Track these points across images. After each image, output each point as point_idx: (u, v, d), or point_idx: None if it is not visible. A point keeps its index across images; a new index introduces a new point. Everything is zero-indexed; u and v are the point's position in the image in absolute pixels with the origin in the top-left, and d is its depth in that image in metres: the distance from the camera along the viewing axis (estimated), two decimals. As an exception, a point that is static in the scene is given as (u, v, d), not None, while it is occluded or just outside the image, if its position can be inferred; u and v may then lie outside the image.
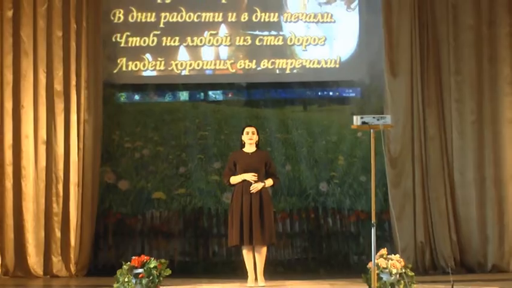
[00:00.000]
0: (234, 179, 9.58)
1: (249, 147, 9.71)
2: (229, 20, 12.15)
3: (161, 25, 12.11)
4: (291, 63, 12.18)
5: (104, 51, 11.77)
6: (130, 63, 12.08)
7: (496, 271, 10.90)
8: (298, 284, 9.90)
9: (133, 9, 12.08)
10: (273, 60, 12.15)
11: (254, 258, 9.55)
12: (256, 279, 9.57)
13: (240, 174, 9.56)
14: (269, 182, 9.62)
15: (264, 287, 9.48)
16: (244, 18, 12.14)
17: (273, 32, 12.19)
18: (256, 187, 9.48)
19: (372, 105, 11.59)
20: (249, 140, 9.70)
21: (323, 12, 12.25)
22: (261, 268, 9.58)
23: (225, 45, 12.20)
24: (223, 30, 12.18)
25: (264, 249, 9.56)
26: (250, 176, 9.50)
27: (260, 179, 9.56)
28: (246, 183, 9.55)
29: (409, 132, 11.33)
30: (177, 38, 12.12)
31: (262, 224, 9.48)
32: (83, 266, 11.17)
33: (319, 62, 12.16)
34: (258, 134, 9.81)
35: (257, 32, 12.17)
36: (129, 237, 11.87)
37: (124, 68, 12.06)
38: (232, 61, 12.18)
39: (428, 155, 11.31)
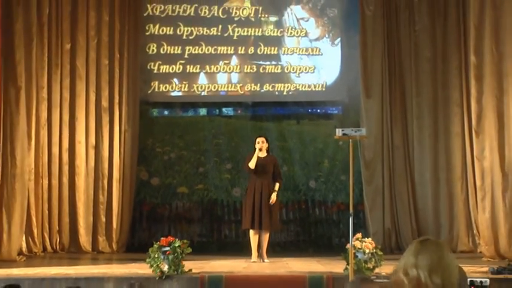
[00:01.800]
0: (251, 162, 9.59)
1: (261, 152, 9.73)
2: (239, 52, 12.15)
3: (186, 56, 12.12)
4: (287, 87, 12.19)
5: (141, 76, 11.78)
6: (161, 85, 12.09)
7: (447, 251, 10.86)
8: (292, 260, 9.88)
9: (164, 43, 12.09)
10: (273, 84, 12.17)
11: (259, 240, 9.59)
12: (258, 256, 9.59)
13: (254, 173, 9.61)
14: (277, 187, 9.69)
15: (268, 262, 9.50)
16: (251, 51, 12.14)
17: (273, 62, 12.20)
18: (273, 199, 9.55)
19: (351, 120, 11.55)
20: (259, 150, 9.71)
21: (313, 46, 12.27)
22: (265, 248, 9.63)
23: (236, 72, 12.21)
24: (234, 60, 12.19)
25: (268, 234, 9.64)
26: (257, 152, 9.61)
27: (269, 178, 9.63)
28: (258, 181, 9.59)
29: (379, 141, 11.35)
30: (198, 66, 12.13)
31: (270, 214, 9.53)
32: (123, 244, 11.22)
33: (309, 86, 12.17)
34: (267, 141, 9.86)
35: (261, 62, 12.18)
36: (158, 222, 11.86)
37: (156, 90, 12.07)
38: (241, 84, 12.19)
39: (394, 159, 11.32)
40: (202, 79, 12.18)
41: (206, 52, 12.14)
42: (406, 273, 2.64)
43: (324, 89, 12.20)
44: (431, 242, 2.73)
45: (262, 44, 12.19)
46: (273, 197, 9.59)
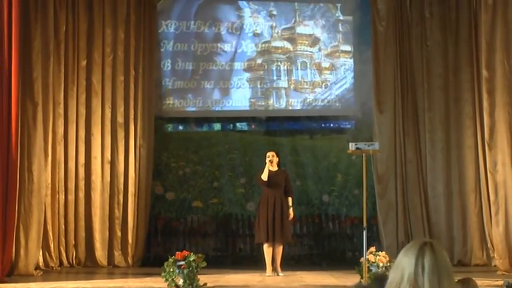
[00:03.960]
0: (264, 174, 9.60)
1: (272, 167, 9.71)
2: (252, 67, 12.16)
3: (200, 72, 12.13)
4: (301, 102, 12.21)
5: (156, 91, 11.78)
6: (176, 101, 12.11)
7: (460, 265, 10.77)
8: (306, 273, 9.82)
9: (179, 60, 12.12)
10: (287, 99, 12.15)
11: (273, 254, 9.55)
12: (273, 270, 9.53)
13: (266, 187, 9.63)
14: (290, 202, 9.71)
15: (282, 276, 9.46)
16: (265, 67, 12.13)
17: (287, 77, 12.20)
18: (291, 215, 9.65)
19: (364, 135, 11.50)
20: (269, 162, 9.70)
21: (326, 62, 12.27)
22: (279, 261, 9.60)
23: (250, 87, 12.21)
24: (247, 75, 12.18)
25: (281, 247, 9.62)
26: (268, 164, 9.64)
27: (281, 191, 9.62)
28: (270, 195, 9.58)
29: (392, 155, 11.26)
30: (212, 82, 12.14)
31: (282, 227, 9.52)
32: (138, 259, 11.14)
33: (322, 101, 12.17)
34: (278, 156, 9.84)
35: (274, 77, 12.19)
36: (174, 236, 11.82)
37: (171, 105, 12.07)
38: (254, 100, 12.18)
39: (407, 173, 11.23)
40: (216, 95, 12.16)
41: (220, 68, 12.13)
42: (415, 282, 2.52)
43: (336, 104, 12.18)
44: (438, 249, 2.61)
45: (275, 60, 12.16)
46: (291, 212, 9.63)
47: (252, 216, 11.53)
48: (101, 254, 10.92)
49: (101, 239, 10.94)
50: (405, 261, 2.57)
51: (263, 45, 12.21)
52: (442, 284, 2.51)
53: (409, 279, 2.53)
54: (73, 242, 10.86)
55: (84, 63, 11.12)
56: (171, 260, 8.35)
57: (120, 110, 11.22)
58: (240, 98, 12.18)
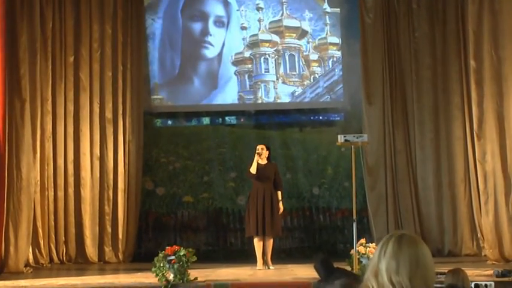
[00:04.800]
0: (252, 167, 9.59)
1: (261, 160, 9.70)
2: (240, 61, 12.16)
3: (188, 66, 12.13)
4: (290, 95, 12.18)
5: (144, 86, 11.73)
6: (164, 96, 12.11)
7: (451, 255, 10.79)
8: (297, 266, 9.80)
9: (167, 54, 12.14)
10: (276, 92, 12.13)
11: (263, 247, 9.55)
12: (263, 263, 9.52)
13: (256, 180, 9.60)
14: (280, 196, 9.69)
15: (273, 269, 9.46)
16: (252, 61, 12.13)
17: (275, 71, 12.16)
18: (281, 209, 9.65)
19: (353, 127, 11.47)
20: (258, 155, 9.69)
21: (314, 55, 12.23)
22: (270, 255, 9.59)
23: (238, 81, 12.18)
24: (235, 69, 12.18)
25: (272, 240, 9.62)
26: (257, 157, 9.62)
27: (270, 185, 9.61)
28: (260, 188, 9.57)
29: (381, 147, 11.26)
30: (201, 76, 12.15)
31: (272, 220, 9.50)
32: (129, 254, 11.13)
33: (311, 94, 12.14)
34: (268, 149, 9.82)
35: (263, 71, 12.15)
36: (164, 231, 11.79)
37: (160, 100, 12.07)
38: (243, 93, 12.16)
39: (397, 165, 11.23)
40: (205, 88, 12.17)
41: (208, 62, 12.14)
42: (390, 281, 2.53)
43: (325, 97, 12.15)
44: (407, 239, 2.59)
45: (263, 53, 12.14)
46: (281, 206, 9.64)
47: (242, 210, 11.47)
48: (91, 250, 10.89)
49: (91, 235, 10.90)
50: (374, 254, 2.65)
51: (251, 38, 12.17)
52: (401, 271, 2.52)
53: (373, 264, 2.58)
54: (63, 238, 10.84)
55: (71, 59, 11.07)
56: (161, 255, 8.33)
57: (109, 105, 11.16)
58: (228, 91, 12.14)
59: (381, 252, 2.58)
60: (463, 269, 5.66)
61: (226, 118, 12.31)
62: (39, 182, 10.40)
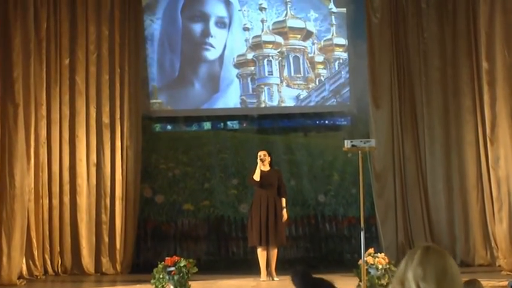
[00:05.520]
0: (256, 174, 9.58)
1: (264, 166, 9.67)
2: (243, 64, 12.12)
3: (188, 69, 12.07)
4: (294, 98, 12.12)
5: (143, 90, 11.68)
6: (163, 99, 12.06)
7: (463, 265, 10.69)
8: (302, 277, 9.71)
9: (166, 57, 12.08)
10: (279, 96, 12.07)
11: (267, 257, 9.52)
12: (267, 274, 9.46)
13: (259, 187, 9.60)
14: (284, 203, 9.68)
15: (277, 281, 9.43)
16: (255, 63, 12.08)
17: (279, 73, 12.12)
18: (285, 217, 9.64)
19: (360, 131, 11.43)
20: (261, 161, 9.68)
21: (319, 57, 12.17)
22: (274, 265, 9.56)
23: (240, 85, 12.13)
24: (238, 72, 12.13)
25: (276, 249, 9.59)
26: (260, 164, 9.63)
27: (273, 192, 9.60)
28: (263, 196, 9.56)
29: (390, 152, 11.21)
30: (201, 79, 12.07)
31: (276, 229, 9.48)
32: (127, 265, 11.04)
33: (316, 97, 12.10)
34: (270, 155, 9.81)
35: (266, 74, 12.11)
36: (164, 240, 11.73)
37: (159, 104, 12.02)
38: (245, 97, 12.11)
39: (406, 171, 11.18)
40: (206, 92, 12.12)
41: (209, 64, 12.08)
42: (417, 287, 2.65)
43: (331, 100, 12.11)
44: (434, 250, 2.75)
45: (267, 55, 12.10)
46: (285, 214, 9.62)
47: (245, 218, 11.42)
48: (87, 261, 10.81)
49: (88, 245, 10.83)
50: (400, 264, 2.79)
51: (253, 39, 12.11)
52: (429, 278, 2.65)
53: (399, 274, 2.73)
54: (58, 249, 10.77)
55: (67, 61, 11.03)
56: (160, 266, 8.32)
57: (106, 110, 11.11)
58: (230, 95, 12.08)
59: (407, 261, 2.72)
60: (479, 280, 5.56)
61: (228, 123, 12.25)
62: (33, 190, 10.34)
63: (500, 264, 10.10)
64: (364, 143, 8.24)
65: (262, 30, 12.13)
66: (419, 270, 2.67)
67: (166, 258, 8.57)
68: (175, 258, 8.48)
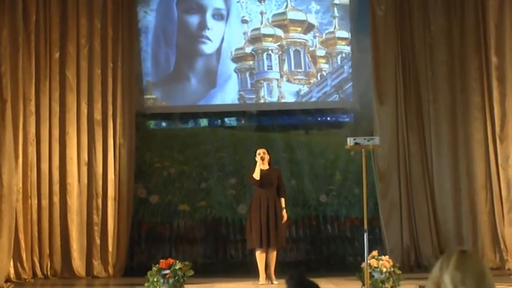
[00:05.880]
0: (255, 173, 9.56)
1: (263, 165, 9.67)
2: (241, 58, 12.10)
3: (184, 63, 12.05)
4: (294, 94, 12.10)
5: (136, 85, 11.66)
6: (158, 95, 12.03)
7: (471, 268, 10.67)
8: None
9: (161, 51, 12.05)
10: (279, 92, 12.06)
11: (266, 260, 9.51)
12: (266, 278, 9.46)
13: (258, 187, 9.59)
14: (284, 204, 9.68)
15: (277, 284, 9.41)
16: (254, 57, 12.06)
17: (279, 68, 12.09)
18: (285, 217, 9.62)
19: (363, 129, 11.39)
20: (261, 159, 9.64)
21: (321, 51, 12.15)
22: (273, 268, 9.55)
23: (238, 80, 12.10)
24: (235, 67, 12.11)
25: (275, 252, 9.58)
26: (259, 162, 9.61)
27: (273, 192, 9.59)
28: (262, 196, 9.54)
29: (394, 151, 11.19)
30: (197, 74, 12.06)
31: (276, 231, 9.48)
32: (120, 268, 11.02)
33: (317, 93, 12.09)
34: (269, 153, 9.81)
35: (265, 68, 12.10)
36: (159, 243, 11.71)
37: (153, 100, 12.00)
38: (244, 93, 12.09)
39: (411, 170, 11.16)
40: (202, 87, 12.11)
41: (206, 58, 12.07)
42: (439, 278, 2.85)
43: (334, 96, 12.09)
44: (470, 254, 2.92)
45: (266, 48, 12.07)
46: (285, 215, 9.61)
47: (243, 219, 11.40)
48: (78, 264, 10.80)
49: (79, 248, 10.82)
50: (434, 268, 2.95)
51: (252, 32, 12.08)
52: (468, 281, 2.81)
53: (434, 278, 2.90)
54: (47, 251, 10.75)
55: (57, 55, 11.01)
56: (155, 268, 8.34)
57: (98, 106, 11.10)
58: (228, 91, 12.06)
59: (442, 265, 2.89)
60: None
61: (226, 119, 12.25)
62: (21, 190, 10.34)
63: (509, 268, 10.18)
64: (368, 140, 8.27)
65: (262, 23, 12.10)
66: (458, 274, 2.82)
67: (161, 260, 8.59)
68: (170, 260, 8.52)
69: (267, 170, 9.68)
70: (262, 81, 12.09)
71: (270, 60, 12.09)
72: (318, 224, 11.90)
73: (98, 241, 10.89)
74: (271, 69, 12.10)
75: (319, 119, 12.29)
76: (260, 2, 12.09)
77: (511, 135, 10.02)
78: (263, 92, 12.07)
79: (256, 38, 12.09)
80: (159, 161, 11.98)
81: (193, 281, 8.40)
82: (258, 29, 12.10)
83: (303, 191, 11.94)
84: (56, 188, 10.85)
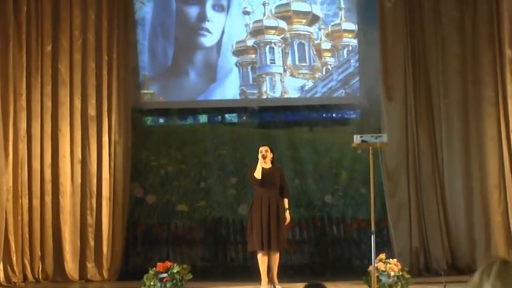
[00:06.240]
0: (257, 172, 9.50)
1: (265, 164, 9.63)
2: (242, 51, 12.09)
3: (182, 57, 12.06)
4: (298, 90, 12.09)
5: (132, 80, 11.67)
6: (155, 90, 12.02)
7: (483, 273, 10.63)
8: (306, 285, 9.67)
9: (158, 43, 12.04)
10: (282, 87, 12.04)
11: (268, 263, 9.49)
12: (268, 282, 9.47)
13: (260, 186, 9.53)
14: (286, 204, 9.62)
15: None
16: (256, 51, 12.03)
17: (281, 63, 12.07)
18: (288, 219, 9.56)
19: (370, 126, 11.39)
20: (262, 157, 9.61)
21: (326, 44, 12.13)
22: (276, 271, 9.52)
23: (240, 74, 12.09)
24: (237, 60, 12.10)
25: (278, 254, 9.54)
26: (261, 160, 9.55)
27: (275, 192, 9.54)
28: (264, 196, 9.50)
29: (403, 148, 11.19)
30: (197, 68, 12.05)
31: (278, 232, 9.44)
32: (115, 272, 11.00)
33: (323, 88, 12.08)
34: (271, 151, 9.76)
35: (268, 62, 12.08)
36: (156, 245, 11.71)
37: (150, 95, 12.01)
38: (245, 87, 12.07)
39: (421, 168, 11.15)
40: (202, 82, 12.09)
41: (205, 52, 12.06)
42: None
43: (339, 91, 12.08)
44: (500, 260, 2.93)
45: (269, 41, 12.05)
46: (288, 216, 9.57)
47: (244, 220, 11.38)
48: (71, 266, 10.79)
49: (72, 250, 10.81)
50: (474, 277, 2.96)
51: (254, 24, 12.07)
52: None
53: (473, 285, 2.92)
54: (39, 253, 10.75)
55: (49, 48, 11.01)
56: (151, 272, 8.34)
57: (92, 101, 11.10)
58: (228, 85, 12.04)
59: (482, 275, 2.91)
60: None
61: (226, 116, 12.24)
62: (11, 189, 10.35)
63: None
64: (375, 138, 8.30)
65: (264, 14, 12.09)
66: (499, 284, 2.84)
67: (158, 263, 8.62)
68: (168, 263, 8.54)
69: (269, 168, 9.65)
70: (264, 76, 12.09)
71: (273, 54, 12.08)
72: (323, 226, 11.90)
73: (91, 243, 10.87)
74: (274, 63, 12.09)
75: (324, 115, 12.25)
76: (262, -8, 12.09)
77: (526, 132, 10.01)
78: (265, 87, 12.06)
79: (258, 30, 12.07)
80: (156, 159, 11.97)
81: (191, 285, 8.42)
82: (261, 20, 12.08)
83: (307, 191, 11.93)
84: (48, 187, 10.84)
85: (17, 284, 10.25)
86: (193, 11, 12.05)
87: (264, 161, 9.63)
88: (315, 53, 12.12)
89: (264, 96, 12.08)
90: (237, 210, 11.82)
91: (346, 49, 12.17)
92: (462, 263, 10.91)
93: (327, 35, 12.14)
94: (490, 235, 10.88)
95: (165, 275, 8.31)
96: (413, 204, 11.06)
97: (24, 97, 10.70)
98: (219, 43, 12.03)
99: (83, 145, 11.01)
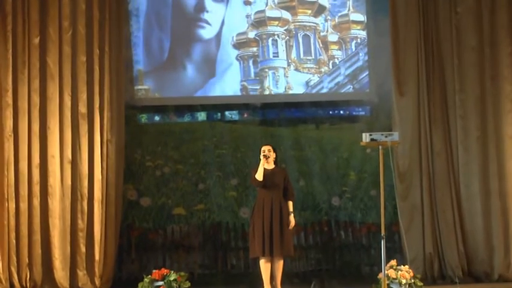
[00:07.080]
0: (258, 174, 9.55)
1: (267, 164, 9.67)
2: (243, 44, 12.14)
3: (179, 50, 12.08)
4: (303, 85, 12.13)
5: (126, 74, 11.66)
6: (151, 86, 12.06)
7: (502, 281, 10.72)
8: (312, 294, 9.79)
9: (153, 35, 12.08)
10: (286, 82, 12.09)
11: (271, 270, 9.54)
12: (271, 289, 9.52)
13: (262, 188, 9.61)
14: (291, 207, 9.66)
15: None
16: (258, 43, 12.09)
17: (285, 56, 12.13)
18: (293, 223, 9.58)
19: (381, 123, 11.46)
20: (264, 158, 9.66)
21: (333, 36, 12.18)
22: (280, 279, 9.57)
23: (241, 68, 12.14)
24: (237, 54, 12.15)
25: (282, 261, 9.59)
26: (263, 161, 9.60)
27: (279, 194, 9.59)
28: (267, 199, 9.56)
29: (416, 147, 11.21)
30: (195, 62, 12.11)
31: (281, 237, 9.48)
32: (108, 279, 11.01)
33: (330, 83, 12.11)
34: (274, 151, 9.80)
35: (271, 56, 12.12)
36: (151, 250, 11.75)
37: (145, 91, 12.03)
38: (247, 83, 12.12)
39: (435, 169, 11.16)
40: (200, 77, 12.12)
41: (204, 44, 12.10)
42: None
43: (347, 87, 12.12)
44: None
45: (272, 33, 12.11)
46: (292, 220, 9.60)
47: (246, 225, 11.49)
48: (61, 274, 10.82)
49: (61, 256, 10.84)
50: None
51: (256, 15, 12.12)
52: None
53: None
54: (26, 260, 10.78)
55: (36, 40, 11.02)
56: (146, 280, 8.36)
57: (83, 97, 11.10)
58: (228, 81, 12.10)
59: None
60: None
61: (226, 113, 12.27)
62: (-3, 191, 10.37)
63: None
64: (386, 136, 8.31)
65: (267, 5, 12.14)
66: None
67: (154, 271, 8.60)
68: (164, 271, 8.52)
69: (271, 169, 9.69)
70: (267, 70, 12.12)
71: (276, 47, 12.12)
72: (330, 230, 11.96)
73: (83, 249, 10.89)
74: (278, 56, 12.13)
75: (331, 112, 12.31)
76: (265, -20, 12.16)
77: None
78: (268, 82, 12.11)
79: (260, 22, 12.12)
80: (152, 159, 12.01)
81: (190, 293, 8.44)
82: (263, 11, 12.13)
83: (313, 193, 11.99)
84: (36, 189, 10.86)
85: (3, 293, 10.31)
86: (191, 0, 12.08)
87: (266, 161, 9.67)
88: (321, 45, 12.17)
89: (267, 92, 12.12)
90: (237, 214, 11.87)
91: (354, 41, 12.20)
92: (479, 270, 10.92)
93: (334, 27, 12.18)
94: (509, 241, 10.92)
95: (161, 283, 8.32)
96: (426, 207, 11.08)
97: (10, 93, 10.74)
98: (218, 35, 12.07)
99: (73, 144, 11.00)
